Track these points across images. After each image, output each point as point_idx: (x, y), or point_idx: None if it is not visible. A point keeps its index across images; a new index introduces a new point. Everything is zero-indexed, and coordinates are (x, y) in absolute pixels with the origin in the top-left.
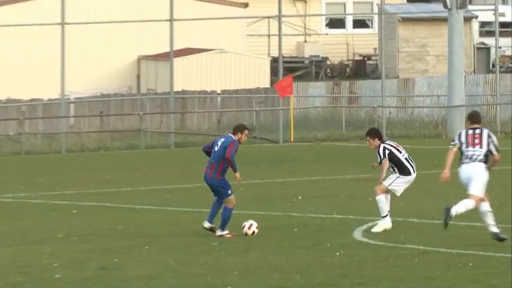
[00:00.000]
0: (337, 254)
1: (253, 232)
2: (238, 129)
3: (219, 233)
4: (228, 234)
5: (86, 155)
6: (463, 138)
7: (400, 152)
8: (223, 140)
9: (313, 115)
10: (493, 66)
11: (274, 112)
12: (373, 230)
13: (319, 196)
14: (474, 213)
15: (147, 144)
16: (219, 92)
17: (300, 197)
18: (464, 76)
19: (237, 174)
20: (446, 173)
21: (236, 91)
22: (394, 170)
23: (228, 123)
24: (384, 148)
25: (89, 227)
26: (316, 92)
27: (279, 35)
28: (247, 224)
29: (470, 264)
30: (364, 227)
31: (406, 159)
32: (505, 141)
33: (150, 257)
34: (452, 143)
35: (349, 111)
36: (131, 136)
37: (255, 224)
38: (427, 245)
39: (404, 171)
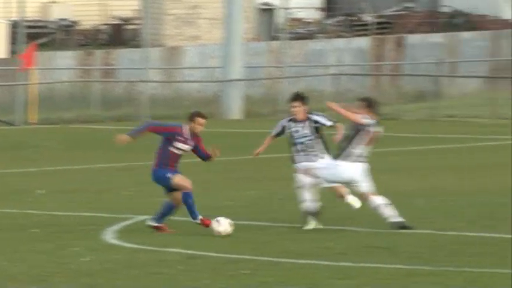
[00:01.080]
0: (85, 259)
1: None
2: (189, 117)
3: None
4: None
5: None
6: None
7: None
8: None
9: (58, 91)
10: (279, 31)
11: (12, 88)
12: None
13: (64, 190)
14: (250, 211)
15: None
16: None
17: (41, 191)
18: (244, 44)
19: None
20: None
21: None
22: (326, 150)
23: None
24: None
25: None
26: (64, 64)
27: None
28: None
29: (248, 272)
30: (118, 226)
31: None
32: None
33: None
34: None
35: (104, 86)
36: None
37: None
38: (194, 248)
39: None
